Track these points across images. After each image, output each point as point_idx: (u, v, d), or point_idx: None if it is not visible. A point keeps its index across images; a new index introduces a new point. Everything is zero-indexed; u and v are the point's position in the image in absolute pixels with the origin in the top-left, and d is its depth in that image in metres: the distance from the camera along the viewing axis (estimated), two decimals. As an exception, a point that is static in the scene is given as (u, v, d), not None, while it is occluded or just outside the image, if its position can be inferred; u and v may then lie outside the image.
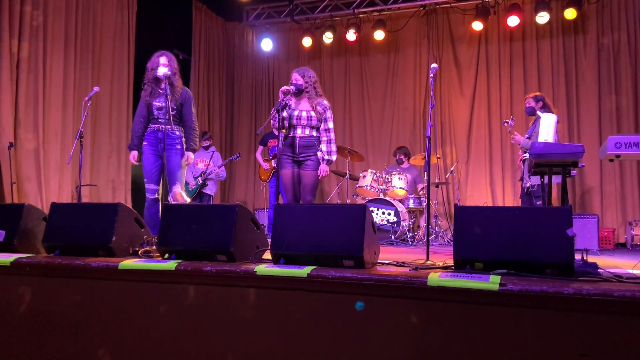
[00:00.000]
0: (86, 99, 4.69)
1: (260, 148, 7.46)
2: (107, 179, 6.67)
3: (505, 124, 5.32)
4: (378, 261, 2.74)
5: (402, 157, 7.34)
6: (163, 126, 4.15)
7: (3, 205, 4.42)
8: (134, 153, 4.33)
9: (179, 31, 8.18)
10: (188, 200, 4.55)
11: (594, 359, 1.91)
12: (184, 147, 4.37)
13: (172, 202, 4.18)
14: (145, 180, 4.30)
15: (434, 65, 3.64)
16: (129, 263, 2.68)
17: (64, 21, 6.07)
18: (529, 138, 5.09)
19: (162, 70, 4.12)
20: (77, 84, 6.23)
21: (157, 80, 4.23)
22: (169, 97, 4.03)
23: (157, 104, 4.26)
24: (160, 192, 4.31)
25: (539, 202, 4.77)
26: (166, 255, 2.79)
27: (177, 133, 4.32)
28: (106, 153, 6.69)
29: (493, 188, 7.89)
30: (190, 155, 4.38)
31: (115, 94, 6.81)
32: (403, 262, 2.75)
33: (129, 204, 6.76)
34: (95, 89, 4.83)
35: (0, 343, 2.82)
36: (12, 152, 5.29)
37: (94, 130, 6.49)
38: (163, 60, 4.23)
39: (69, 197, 5.98)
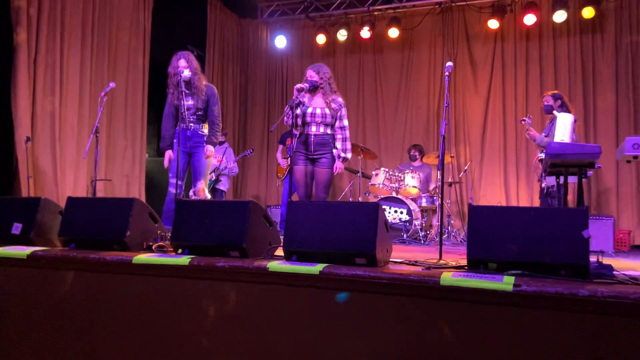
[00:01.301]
0: (102, 94, 4.73)
1: (280, 147, 7.50)
2: (121, 174, 6.73)
3: (523, 122, 5.25)
4: (390, 259, 2.73)
5: (416, 153, 7.31)
6: (192, 125, 4.27)
7: (20, 199, 4.47)
8: (169, 153, 4.43)
9: (194, 28, 8.23)
10: (209, 197, 4.65)
11: (608, 362, 1.89)
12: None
13: (194, 198, 4.28)
14: (170, 175, 4.45)
15: (449, 63, 3.60)
16: (142, 257, 2.70)
17: (81, 17, 6.12)
18: (546, 137, 5.03)
19: (184, 74, 4.23)
20: (93, 80, 6.29)
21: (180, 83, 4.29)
22: (187, 96, 4.23)
23: (184, 105, 4.34)
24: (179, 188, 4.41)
25: (556, 203, 4.71)
26: (179, 251, 2.81)
27: (204, 132, 4.50)
28: (121, 148, 6.74)
29: (507, 188, 7.82)
30: (210, 147, 4.52)
31: (130, 90, 6.87)
32: (416, 261, 2.74)
33: (143, 199, 6.82)
34: (112, 84, 4.87)
35: (16, 335, 2.86)
36: (29, 146, 5.34)
37: (109, 126, 6.55)
38: (182, 63, 4.33)
39: (84, 192, 6.04)
